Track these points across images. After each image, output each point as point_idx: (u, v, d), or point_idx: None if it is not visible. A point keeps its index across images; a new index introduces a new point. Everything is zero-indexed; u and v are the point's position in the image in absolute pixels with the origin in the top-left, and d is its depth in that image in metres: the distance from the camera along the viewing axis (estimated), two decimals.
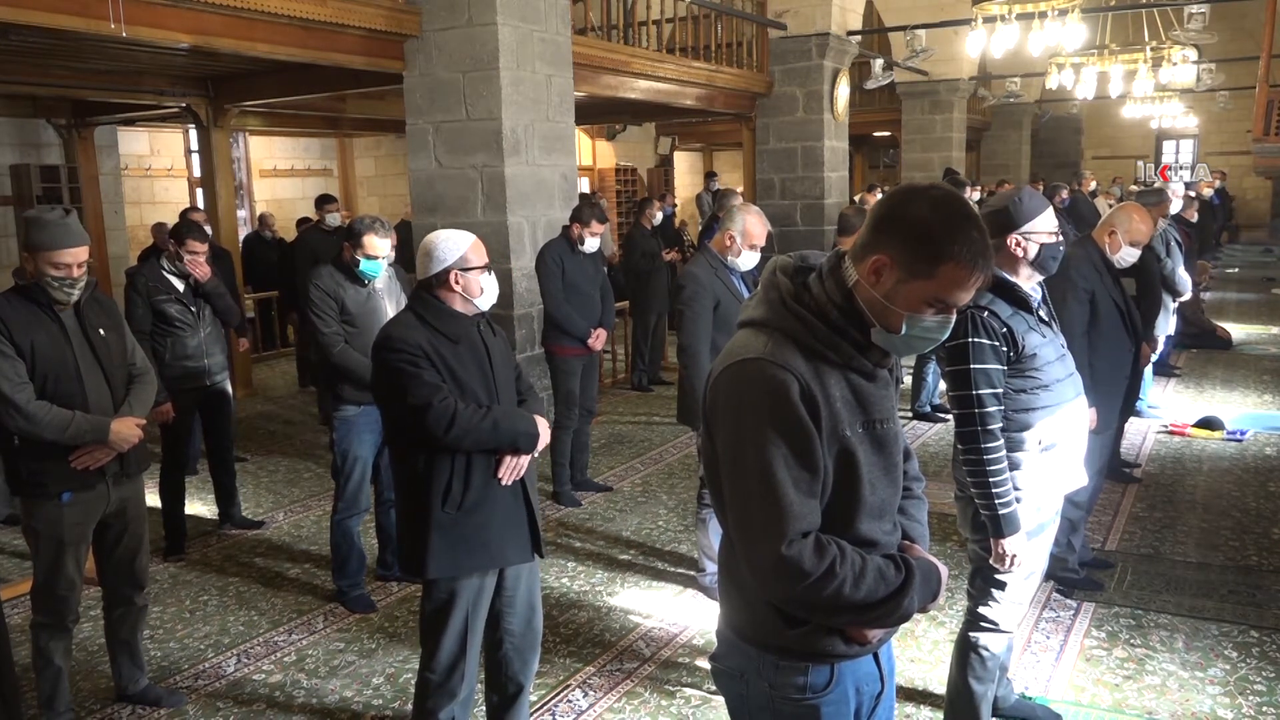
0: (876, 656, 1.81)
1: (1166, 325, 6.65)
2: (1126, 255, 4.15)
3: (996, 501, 2.69)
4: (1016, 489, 2.78)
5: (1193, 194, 9.52)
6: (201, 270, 5.00)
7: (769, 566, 1.60)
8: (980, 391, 2.69)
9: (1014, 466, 2.78)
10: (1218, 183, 12.43)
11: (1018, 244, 2.83)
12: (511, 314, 6.52)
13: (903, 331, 1.62)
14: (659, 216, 9.13)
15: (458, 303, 2.80)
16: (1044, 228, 2.83)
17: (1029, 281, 2.85)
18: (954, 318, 1.64)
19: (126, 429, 3.19)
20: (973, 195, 9.64)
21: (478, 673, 2.97)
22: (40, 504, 3.14)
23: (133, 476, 3.32)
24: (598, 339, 5.66)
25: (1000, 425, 2.72)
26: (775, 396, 1.59)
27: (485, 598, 2.84)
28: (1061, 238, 2.89)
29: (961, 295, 1.59)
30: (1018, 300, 2.79)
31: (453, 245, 2.79)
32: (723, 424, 1.66)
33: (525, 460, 2.82)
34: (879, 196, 8.58)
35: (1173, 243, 6.59)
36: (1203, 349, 9.51)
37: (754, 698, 1.77)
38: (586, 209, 5.72)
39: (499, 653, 2.95)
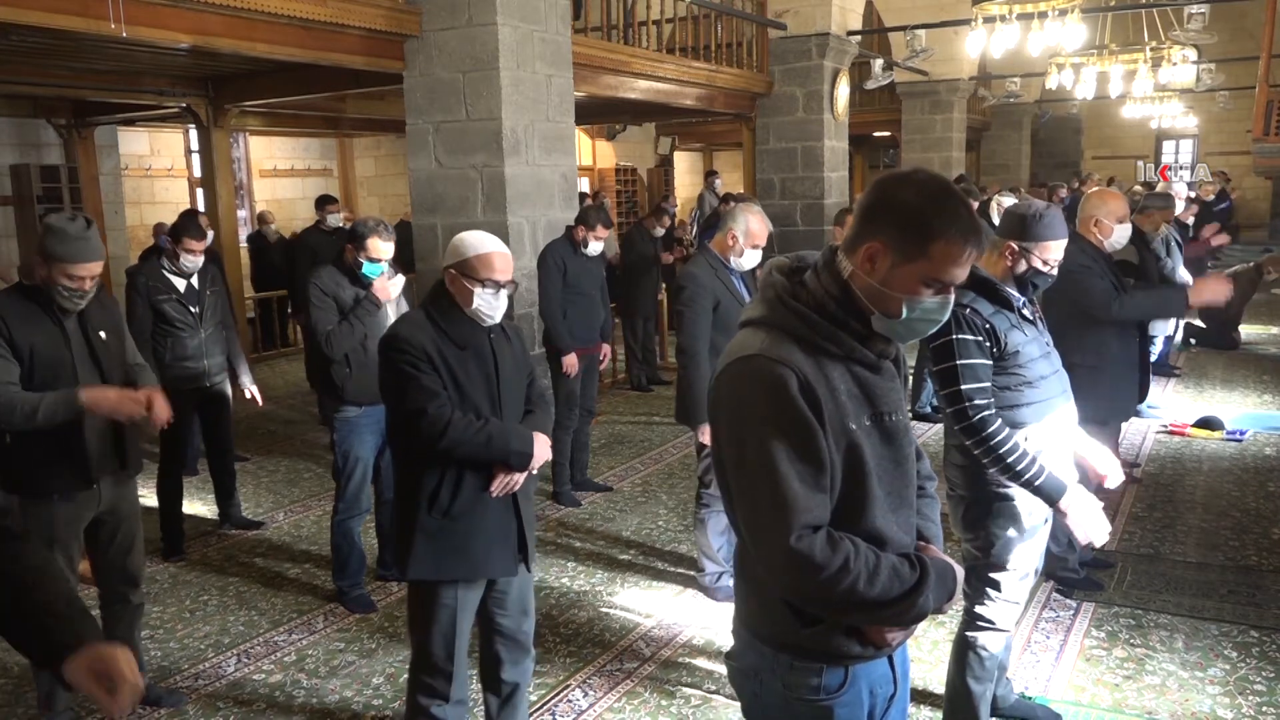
0: (890, 658, 1.81)
1: (1164, 326, 6.67)
2: (1120, 235, 4.12)
3: (1029, 475, 2.66)
4: (1008, 486, 2.79)
5: (1193, 194, 9.52)
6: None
7: (779, 560, 1.60)
8: (965, 386, 2.69)
9: None
10: (1215, 192, 12.40)
11: (1012, 253, 2.85)
12: (512, 314, 6.51)
13: (903, 315, 1.63)
14: (659, 231, 9.13)
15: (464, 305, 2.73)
16: (1046, 254, 2.84)
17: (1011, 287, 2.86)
18: (953, 297, 1.66)
19: (98, 394, 3.07)
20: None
21: (469, 674, 2.96)
22: (32, 503, 3.13)
23: (128, 476, 3.32)
24: (605, 357, 5.91)
25: (992, 412, 2.71)
26: (774, 391, 1.60)
27: (471, 602, 2.82)
28: (1055, 274, 2.89)
29: (957, 272, 1.61)
30: (999, 299, 2.80)
31: (465, 247, 2.71)
32: (726, 423, 1.67)
33: (519, 478, 2.76)
34: None
35: (1173, 243, 6.62)
36: (1206, 348, 9.50)
37: (768, 697, 1.78)
38: (592, 213, 5.71)
39: (491, 653, 2.94)
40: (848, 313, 1.65)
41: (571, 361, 5.56)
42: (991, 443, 2.68)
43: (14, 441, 3.09)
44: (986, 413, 2.69)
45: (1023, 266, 2.84)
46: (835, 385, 1.63)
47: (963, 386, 2.69)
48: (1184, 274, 6.63)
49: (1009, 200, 8.47)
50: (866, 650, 1.73)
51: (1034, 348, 2.82)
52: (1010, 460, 2.67)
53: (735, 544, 1.85)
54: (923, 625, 3.88)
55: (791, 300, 1.67)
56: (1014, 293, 2.84)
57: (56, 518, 3.14)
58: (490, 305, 2.72)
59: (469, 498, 2.73)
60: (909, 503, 1.77)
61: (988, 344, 2.74)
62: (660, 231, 9.09)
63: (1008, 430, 2.70)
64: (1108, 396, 4.06)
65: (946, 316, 1.67)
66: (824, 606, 1.65)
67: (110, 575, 3.38)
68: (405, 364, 2.65)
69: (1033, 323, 2.89)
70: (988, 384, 2.73)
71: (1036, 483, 2.67)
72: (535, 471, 2.82)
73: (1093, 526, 2.67)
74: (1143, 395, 4.33)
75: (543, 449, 2.79)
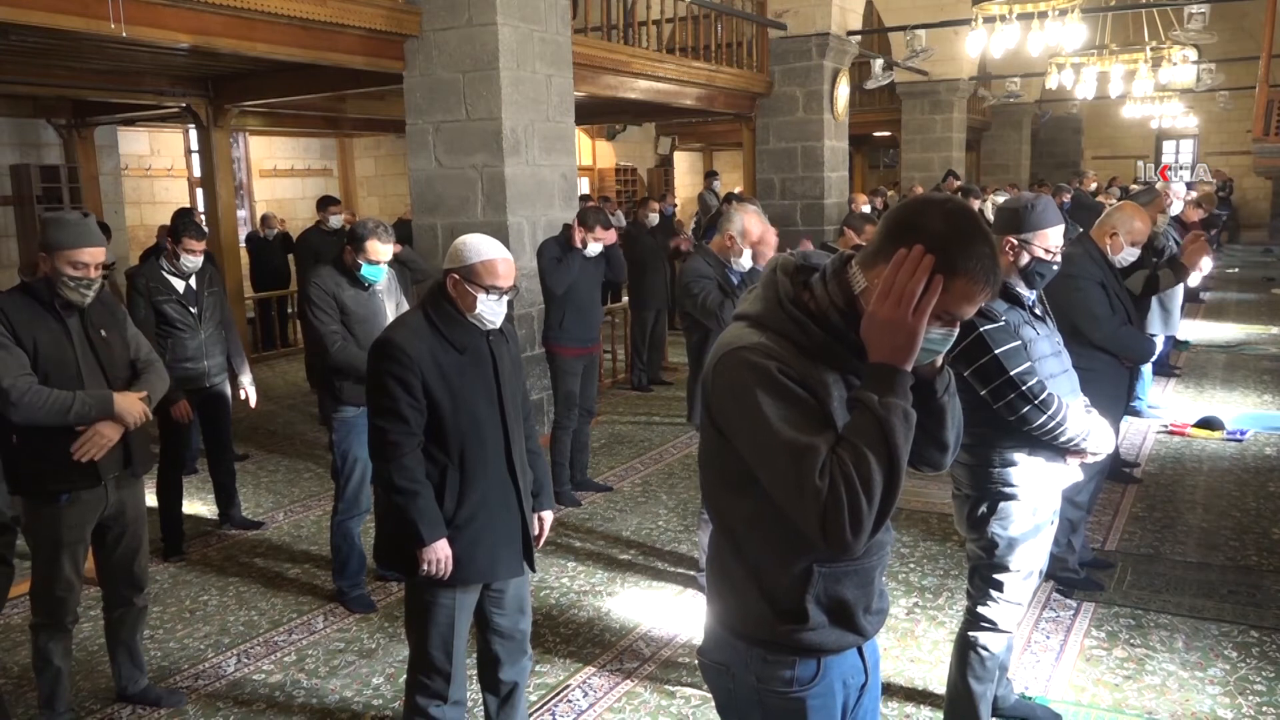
0: (860, 650, 1.82)
1: (1165, 325, 6.69)
2: (1127, 255, 4.17)
3: (1080, 442, 2.80)
4: (1013, 485, 2.80)
5: (1194, 194, 9.55)
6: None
7: (815, 527, 1.53)
8: (1016, 371, 2.70)
9: (1010, 464, 2.80)
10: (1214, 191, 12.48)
11: (1012, 247, 2.85)
12: (512, 314, 6.49)
13: None
14: (653, 218, 9.12)
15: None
16: (1045, 242, 2.84)
17: (1019, 283, 2.87)
18: (956, 332, 1.64)
19: (129, 403, 3.13)
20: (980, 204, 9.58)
21: (467, 674, 2.96)
22: (39, 505, 3.13)
23: (136, 476, 3.32)
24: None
25: (1046, 389, 2.73)
26: (762, 377, 1.58)
27: (469, 603, 2.81)
28: (1059, 259, 2.90)
29: (968, 309, 1.59)
30: (1010, 297, 2.82)
31: (469, 252, 2.68)
32: (729, 417, 1.65)
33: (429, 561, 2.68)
34: (864, 200, 8.59)
35: (1171, 242, 6.63)
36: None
37: (741, 691, 1.78)
38: (591, 214, 5.66)
39: (488, 653, 2.94)
40: (850, 326, 1.62)
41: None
42: (1051, 424, 2.72)
43: (21, 441, 3.09)
44: (1042, 391, 2.71)
45: (1025, 259, 2.85)
46: (830, 390, 1.62)
47: (1012, 373, 2.70)
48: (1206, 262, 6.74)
49: (1005, 199, 8.49)
50: (841, 639, 1.73)
51: (1045, 345, 2.83)
52: (1070, 437, 2.77)
53: (710, 538, 1.85)
54: (923, 625, 3.92)
55: (790, 305, 1.65)
56: (1024, 290, 2.85)
57: (62, 520, 3.13)
58: (493, 311, 2.71)
59: (474, 504, 2.72)
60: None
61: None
62: (654, 218, 9.07)
63: (1064, 408, 2.74)
64: (1094, 395, 4.08)
65: (947, 349, 1.66)
66: (874, 508, 1.53)
67: (116, 579, 3.38)
68: (391, 378, 2.62)
69: (1043, 320, 2.90)
70: (1030, 362, 2.74)
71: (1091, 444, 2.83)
72: (431, 571, 2.68)
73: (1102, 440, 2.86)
74: (1127, 401, 4.38)
75: (436, 556, 2.66)
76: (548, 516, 3.02)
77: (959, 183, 12.02)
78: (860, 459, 1.50)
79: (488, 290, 2.67)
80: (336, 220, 8.23)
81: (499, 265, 2.68)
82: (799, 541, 1.65)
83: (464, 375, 2.69)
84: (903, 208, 1.62)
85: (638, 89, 8.73)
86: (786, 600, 1.70)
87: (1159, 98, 15.50)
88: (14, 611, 4.25)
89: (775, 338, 1.63)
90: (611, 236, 5.70)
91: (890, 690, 3.43)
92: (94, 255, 3.08)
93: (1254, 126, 8.08)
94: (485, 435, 2.72)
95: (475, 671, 3.05)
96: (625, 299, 9.28)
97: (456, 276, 2.68)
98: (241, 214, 13.01)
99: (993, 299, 1.64)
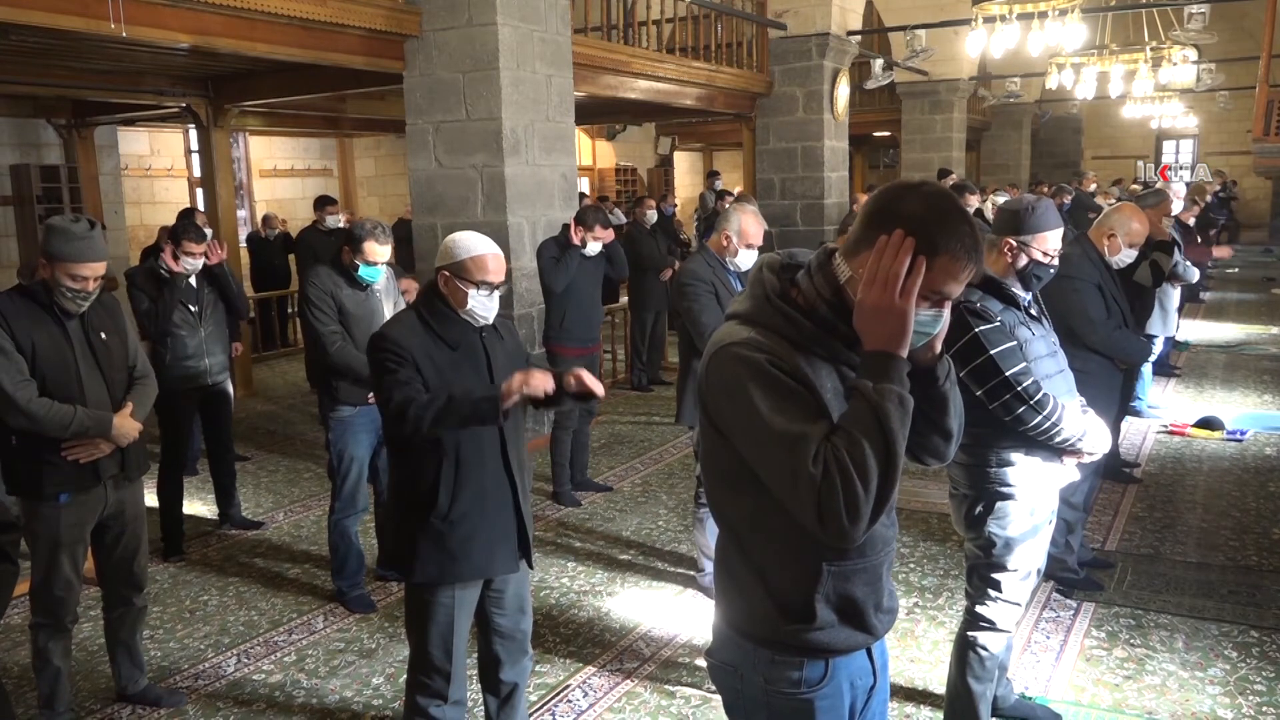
0: (869, 651, 1.82)
1: (1165, 326, 6.70)
2: (1126, 256, 4.18)
3: (1076, 443, 2.80)
4: (1010, 484, 2.80)
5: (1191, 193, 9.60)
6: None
7: (812, 516, 1.53)
8: (1011, 371, 2.70)
9: (1007, 464, 2.80)
10: (1214, 191, 12.44)
11: (1011, 249, 2.85)
12: (512, 314, 6.52)
13: None
14: (652, 215, 9.10)
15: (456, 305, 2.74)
16: (1044, 245, 2.85)
17: (1015, 284, 2.87)
18: (947, 312, 1.65)
19: (128, 426, 3.20)
20: (975, 202, 9.56)
21: (467, 674, 2.96)
22: (37, 505, 3.13)
23: (132, 480, 3.32)
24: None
25: (1042, 390, 2.73)
26: (754, 370, 1.59)
27: (469, 602, 2.81)
28: (1056, 262, 2.90)
29: (954, 288, 1.61)
30: (1006, 297, 2.83)
31: (459, 248, 2.71)
32: (725, 413, 1.66)
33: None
34: (865, 200, 8.48)
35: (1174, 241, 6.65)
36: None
37: (749, 692, 1.78)
38: (590, 213, 5.67)
39: (489, 653, 2.94)
40: (838, 316, 1.64)
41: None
42: (1047, 423, 2.72)
43: (20, 442, 3.09)
44: (1038, 392, 2.71)
45: (1023, 260, 2.86)
46: (823, 383, 1.63)
47: (1007, 373, 2.70)
48: (1188, 264, 6.72)
49: (1004, 199, 8.49)
50: (850, 640, 1.73)
51: (1040, 345, 2.83)
52: (1065, 438, 2.77)
53: (716, 539, 1.85)
54: (923, 625, 3.92)
55: (778, 300, 1.67)
56: (1019, 291, 2.85)
57: (61, 520, 3.14)
58: (484, 306, 2.72)
59: (468, 500, 2.72)
60: (892, 504, 1.77)
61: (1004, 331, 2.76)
62: (652, 215, 9.06)
63: (1059, 408, 2.74)
64: (1089, 396, 4.09)
65: (937, 330, 1.67)
66: (870, 500, 1.53)
67: (115, 579, 3.38)
68: (386, 359, 2.65)
69: (1039, 320, 2.90)
70: (1026, 362, 2.74)
71: (1081, 442, 2.82)
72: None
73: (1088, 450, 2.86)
74: (1121, 413, 4.38)
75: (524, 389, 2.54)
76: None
77: (953, 179, 12.02)
78: (854, 444, 1.51)
79: (478, 285, 2.69)
80: (334, 220, 8.22)
81: (488, 260, 2.70)
82: (803, 540, 1.65)
83: (458, 372, 2.70)
84: (879, 195, 1.65)
85: (638, 89, 8.73)
86: (793, 600, 1.71)
87: (1159, 98, 15.50)
88: (14, 611, 4.24)
89: (765, 332, 1.64)
90: (610, 235, 5.71)
91: (890, 690, 3.42)
92: (94, 270, 3.09)
93: (1254, 126, 8.08)
94: (481, 431, 2.72)
95: (475, 672, 3.05)
96: (625, 299, 9.28)
97: (447, 273, 2.70)
98: (241, 214, 13.00)
99: (977, 275, 1.65)
